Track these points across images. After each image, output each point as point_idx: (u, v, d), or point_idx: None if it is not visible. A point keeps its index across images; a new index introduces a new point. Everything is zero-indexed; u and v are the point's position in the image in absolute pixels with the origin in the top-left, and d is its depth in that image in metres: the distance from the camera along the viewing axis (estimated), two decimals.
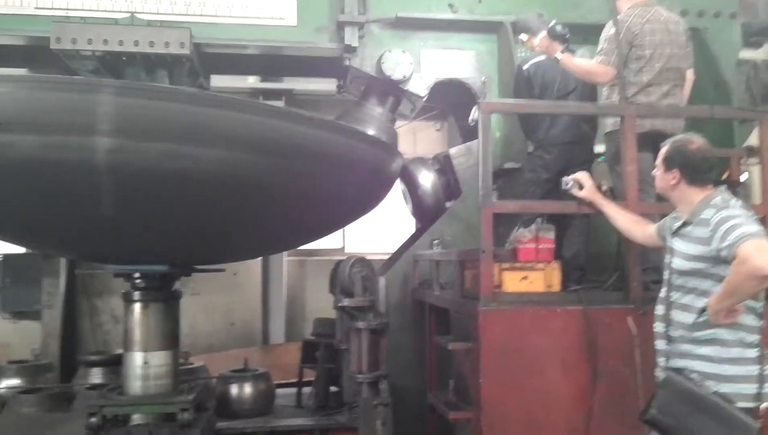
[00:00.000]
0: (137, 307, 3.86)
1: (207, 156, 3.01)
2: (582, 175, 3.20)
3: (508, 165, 4.42)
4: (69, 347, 6.66)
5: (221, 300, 7.40)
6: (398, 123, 7.89)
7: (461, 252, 3.52)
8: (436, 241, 4.53)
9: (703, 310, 2.48)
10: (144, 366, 3.86)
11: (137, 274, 3.87)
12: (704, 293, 2.50)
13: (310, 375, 4.57)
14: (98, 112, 2.74)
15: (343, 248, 7.94)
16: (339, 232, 7.94)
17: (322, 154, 3.47)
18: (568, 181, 3.18)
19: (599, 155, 4.12)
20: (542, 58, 4.01)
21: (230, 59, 4.81)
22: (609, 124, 3.61)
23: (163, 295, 3.98)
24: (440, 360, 4.07)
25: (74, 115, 2.75)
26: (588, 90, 4.04)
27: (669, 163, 2.64)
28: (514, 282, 3.21)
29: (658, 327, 2.67)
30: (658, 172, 2.71)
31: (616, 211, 3.15)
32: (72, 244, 3.76)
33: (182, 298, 7.34)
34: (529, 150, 4.21)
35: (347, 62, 4.71)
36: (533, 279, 3.22)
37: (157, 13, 4.50)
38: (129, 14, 4.47)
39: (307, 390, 4.51)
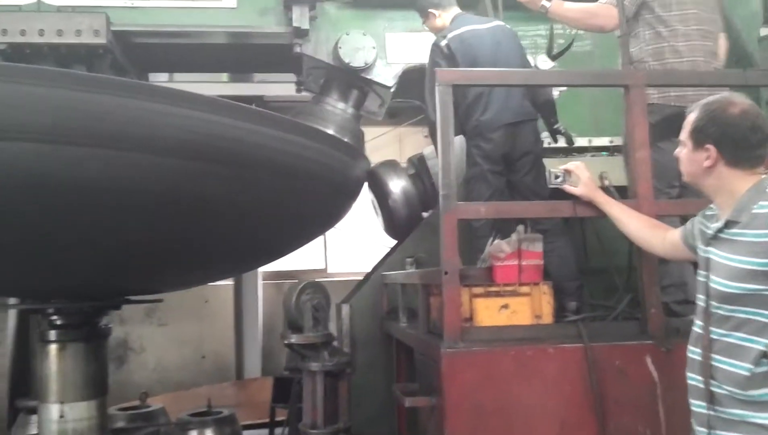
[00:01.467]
0: (53, 349, 3.24)
1: (117, 160, 2.33)
2: (576, 166, 2.34)
3: None
4: (19, 391, 5.94)
5: (191, 330, 6.61)
6: (382, 129, 7.19)
7: (424, 273, 2.67)
8: (409, 260, 3.68)
9: (765, 356, 1.61)
10: (60, 420, 3.27)
11: (51, 309, 3.24)
12: (765, 328, 1.63)
13: (284, 414, 4.11)
14: None
15: (325, 269, 7.10)
16: (320, 251, 7.12)
17: (262, 155, 2.81)
18: (557, 173, 2.32)
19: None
20: (465, 28, 3.25)
21: (160, 52, 4.04)
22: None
23: (83, 333, 3.31)
24: (412, 411, 3.19)
25: None
26: (521, 54, 3.31)
27: (700, 137, 1.77)
28: (490, 313, 2.34)
29: (694, 380, 1.79)
30: (683, 150, 1.85)
31: (624, 213, 2.28)
32: None
33: (149, 330, 6.53)
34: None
35: (298, 49, 3.91)
36: (516, 308, 2.35)
37: None
38: (35, 0, 3.72)
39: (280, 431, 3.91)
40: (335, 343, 3.52)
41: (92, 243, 2.68)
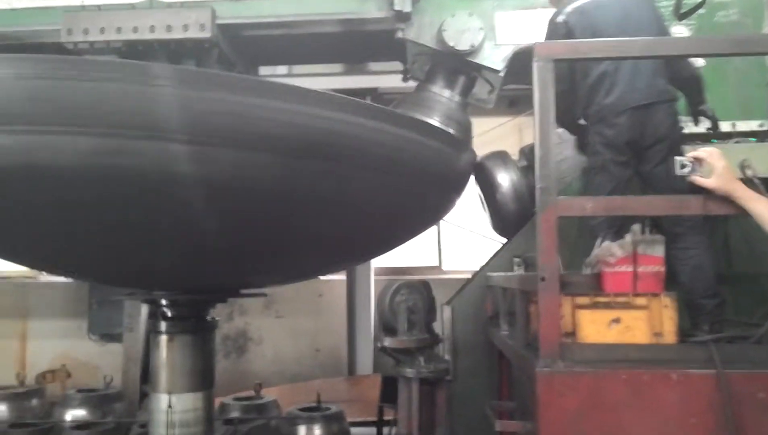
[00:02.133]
0: (163, 340, 3.26)
1: (207, 156, 2.27)
2: (709, 153, 1.89)
3: None
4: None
5: (306, 324, 6.62)
6: (501, 120, 6.77)
7: (522, 278, 2.34)
8: (516, 260, 3.33)
9: None
10: (168, 411, 3.25)
11: (164, 301, 3.25)
12: None
13: (392, 413, 3.68)
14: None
15: (439, 266, 6.82)
16: (434, 247, 6.87)
17: (356, 147, 2.59)
18: (684, 162, 1.89)
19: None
20: (583, 1, 2.78)
21: (267, 44, 3.97)
22: None
23: (191, 325, 3.31)
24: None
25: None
26: (658, 25, 2.78)
27: None
28: (597, 328, 1.97)
29: None
30: None
31: None
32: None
33: (267, 321, 6.67)
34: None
35: (400, 34, 3.67)
36: (630, 323, 1.96)
37: None
38: None
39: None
40: (438, 347, 3.27)
41: (206, 238, 2.66)
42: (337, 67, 6.18)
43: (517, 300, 2.36)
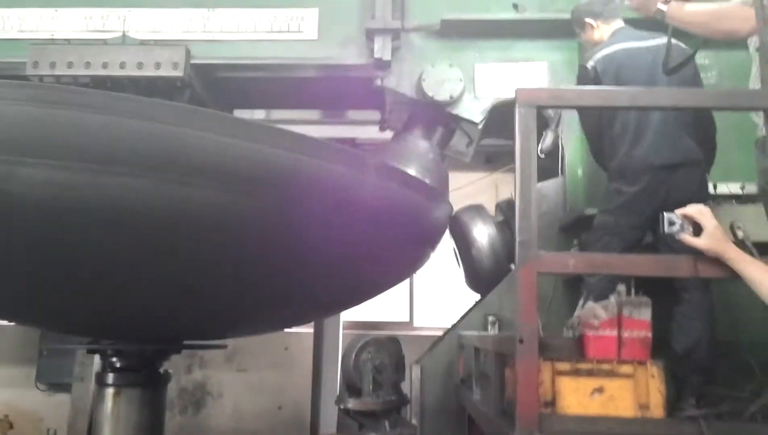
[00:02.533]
0: (109, 393, 3.07)
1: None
2: (698, 211, 1.78)
3: (592, 210, 3.00)
4: None
5: (270, 378, 6.31)
6: (477, 175, 6.72)
7: (497, 339, 2.16)
8: (491, 319, 3.17)
9: None
10: None
11: (111, 350, 3.09)
12: None
13: None
14: None
15: (411, 322, 6.60)
16: (405, 302, 6.66)
17: (318, 190, 2.47)
18: (673, 218, 1.77)
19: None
20: (618, 46, 2.65)
21: (244, 87, 3.86)
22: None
23: (140, 378, 3.13)
24: None
25: None
26: (693, 80, 2.62)
27: None
28: (578, 397, 1.79)
29: None
30: None
31: (766, 275, 1.70)
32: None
33: (228, 375, 6.34)
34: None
35: (379, 82, 3.59)
36: (614, 393, 1.79)
37: (154, 32, 3.64)
38: (120, 33, 3.66)
39: None
40: (405, 410, 3.05)
41: (162, 281, 2.48)
42: (315, 115, 6.08)
43: (492, 362, 2.18)
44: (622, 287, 1.85)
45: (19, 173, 1.96)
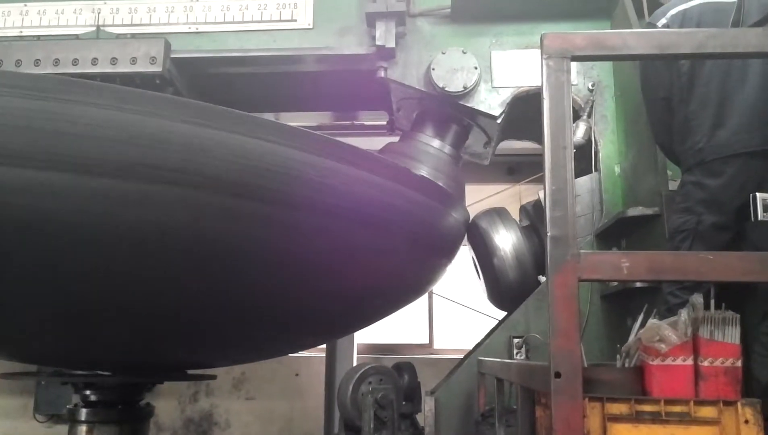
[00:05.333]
0: (81, 431, 2.75)
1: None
2: None
3: (636, 211, 2.48)
4: None
5: (280, 407, 5.81)
6: (499, 187, 6.19)
7: (525, 369, 1.64)
8: (517, 341, 2.65)
9: None
10: None
11: (83, 383, 2.78)
12: None
13: None
14: None
15: (430, 344, 6.05)
16: (424, 322, 6.12)
17: (322, 197, 2.09)
18: None
19: None
20: (693, 3, 2.10)
21: (234, 84, 3.43)
22: None
23: (116, 414, 2.78)
24: None
25: None
26: None
27: None
28: None
29: None
30: None
31: None
32: None
33: (236, 404, 5.90)
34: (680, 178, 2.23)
35: (382, 73, 3.12)
36: None
37: (132, 25, 3.24)
38: (94, 28, 3.26)
39: None
40: None
41: (131, 298, 2.08)
42: (325, 123, 5.61)
43: (518, 398, 1.66)
44: (697, 298, 1.32)
45: None
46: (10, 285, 1.89)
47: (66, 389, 5.37)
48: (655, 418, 1.26)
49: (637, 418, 1.27)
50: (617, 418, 1.27)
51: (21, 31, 3.25)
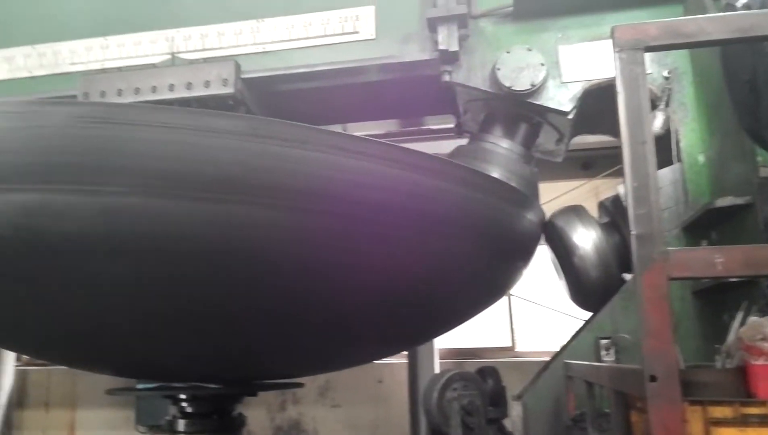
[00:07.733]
0: None
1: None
2: None
3: (724, 201, 2.34)
4: None
5: (365, 414, 5.86)
6: (575, 183, 6.01)
7: (617, 372, 1.58)
8: (604, 343, 2.55)
9: None
10: None
11: (183, 396, 2.81)
12: None
13: None
14: None
15: (513, 347, 5.94)
16: (505, 324, 6.02)
17: (382, 200, 2.00)
18: None
19: None
20: None
21: (302, 99, 3.49)
22: None
23: (212, 424, 2.82)
24: None
25: None
26: None
27: None
28: None
29: None
30: None
31: None
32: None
33: (322, 411, 6.03)
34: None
35: (447, 77, 3.10)
36: None
37: (203, 49, 3.36)
38: (170, 56, 3.42)
39: None
40: None
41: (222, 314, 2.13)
42: (392, 129, 5.63)
43: (611, 402, 1.60)
44: None
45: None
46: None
47: (164, 401, 5.64)
48: (764, 421, 1.18)
49: (743, 421, 1.19)
50: (721, 422, 1.20)
51: (103, 64, 3.44)
